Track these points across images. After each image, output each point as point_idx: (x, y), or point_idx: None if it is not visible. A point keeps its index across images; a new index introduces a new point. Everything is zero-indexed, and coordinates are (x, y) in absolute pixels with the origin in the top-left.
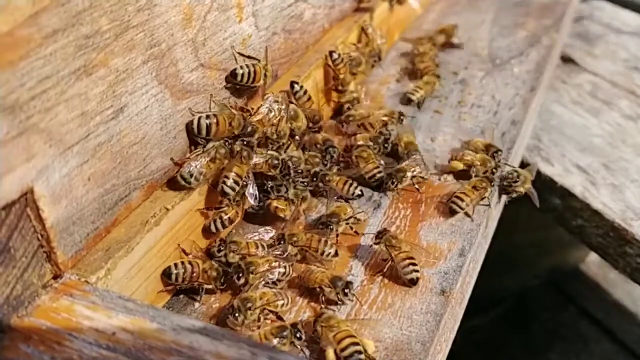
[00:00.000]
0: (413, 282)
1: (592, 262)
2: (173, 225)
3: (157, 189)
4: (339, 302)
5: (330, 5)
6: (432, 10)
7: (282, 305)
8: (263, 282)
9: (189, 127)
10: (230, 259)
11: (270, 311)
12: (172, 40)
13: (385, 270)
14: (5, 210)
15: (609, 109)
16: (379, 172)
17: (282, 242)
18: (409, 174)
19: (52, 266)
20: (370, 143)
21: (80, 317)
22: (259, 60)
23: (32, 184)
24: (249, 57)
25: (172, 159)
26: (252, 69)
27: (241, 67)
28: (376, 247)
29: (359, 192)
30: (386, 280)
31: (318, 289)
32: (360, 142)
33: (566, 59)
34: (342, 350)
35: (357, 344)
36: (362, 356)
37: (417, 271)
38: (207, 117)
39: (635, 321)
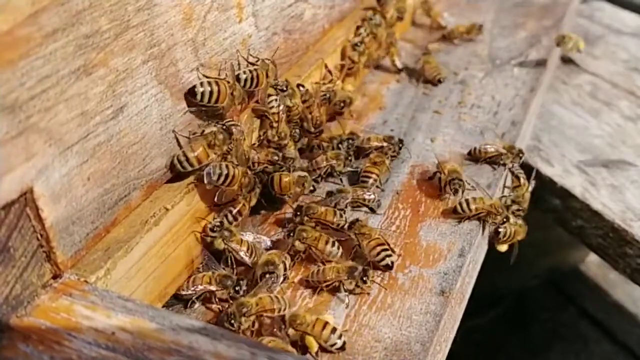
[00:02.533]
0: (389, 267)
1: (592, 263)
2: (172, 226)
3: (156, 189)
4: (358, 291)
5: (331, 6)
6: None
7: (279, 310)
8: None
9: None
10: (216, 244)
11: (267, 316)
12: (172, 40)
13: (351, 255)
14: (4, 210)
15: (609, 109)
16: (375, 180)
17: (291, 235)
18: (349, 197)
19: (52, 266)
20: (385, 144)
21: (80, 316)
22: (261, 65)
23: (31, 183)
24: (252, 63)
25: (190, 131)
26: (254, 74)
27: (244, 72)
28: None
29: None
30: (386, 281)
31: (337, 283)
32: (375, 144)
33: (566, 60)
34: (326, 341)
35: (335, 329)
36: (345, 338)
37: (390, 256)
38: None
39: (636, 322)
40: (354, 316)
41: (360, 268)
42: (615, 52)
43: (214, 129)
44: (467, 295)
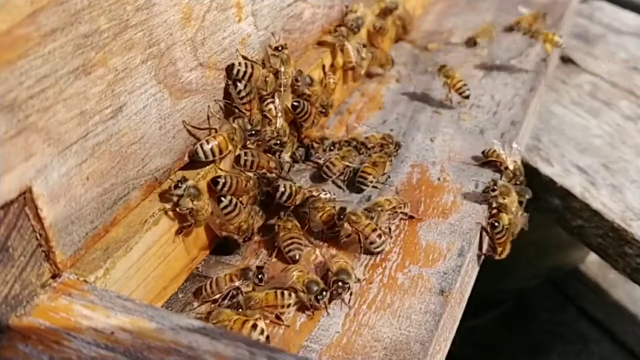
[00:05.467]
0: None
1: (592, 263)
2: (172, 225)
3: (156, 189)
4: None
5: (330, 5)
6: (431, 11)
7: (283, 307)
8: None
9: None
10: (182, 202)
11: (271, 312)
12: (171, 39)
13: (359, 243)
14: (3, 210)
15: (608, 109)
16: (371, 182)
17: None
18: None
19: (51, 265)
20: (384, 142)
21: (79, 316)
22: (263, 65)
23: (30, 183)
24: (254, 61)
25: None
26: (249, 65)
27: (239, 64)
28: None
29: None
30: (385, 280)
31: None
32: (376, 142)
33: (566, 60)
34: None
35: (255, 325)
36: (267, 332)
37: (384, 242)
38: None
39: (635, 322)
40: (354, 316)
41: (355, 276)
42: (615, 52)
43: (229, 126)
44: (467, 295)
